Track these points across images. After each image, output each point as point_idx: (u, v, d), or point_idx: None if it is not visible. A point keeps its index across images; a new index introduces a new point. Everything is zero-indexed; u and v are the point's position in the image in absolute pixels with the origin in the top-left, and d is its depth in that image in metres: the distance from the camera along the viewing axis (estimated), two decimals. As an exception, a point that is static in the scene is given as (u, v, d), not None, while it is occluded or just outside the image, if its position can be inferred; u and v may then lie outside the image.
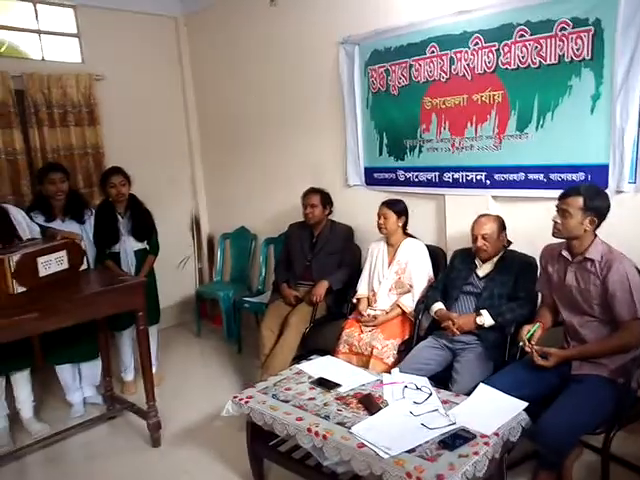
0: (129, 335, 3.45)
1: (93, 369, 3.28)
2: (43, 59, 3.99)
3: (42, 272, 2.56)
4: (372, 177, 3.54)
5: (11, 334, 2.29)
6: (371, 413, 2.10)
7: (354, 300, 3.17)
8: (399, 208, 3.03)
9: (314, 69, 3.72)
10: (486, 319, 2.53)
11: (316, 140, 3.83)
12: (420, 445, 1.86)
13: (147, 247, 3.45)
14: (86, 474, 2.69)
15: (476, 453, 1.80)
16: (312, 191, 3.46)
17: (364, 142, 3.52)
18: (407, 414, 2.06)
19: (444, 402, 2.14)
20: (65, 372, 3.18)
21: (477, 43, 2.82)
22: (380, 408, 2.13)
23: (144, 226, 3.41)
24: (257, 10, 3.96)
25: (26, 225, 2.89)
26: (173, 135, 4.68)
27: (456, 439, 1.87)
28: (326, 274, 3.34)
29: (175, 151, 4.71)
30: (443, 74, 3.00)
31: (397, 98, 3.26)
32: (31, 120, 3.81)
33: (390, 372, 2.47)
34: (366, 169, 3.56)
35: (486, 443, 1.85)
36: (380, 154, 3.44)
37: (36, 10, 3.91)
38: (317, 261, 3.45)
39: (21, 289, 2.44)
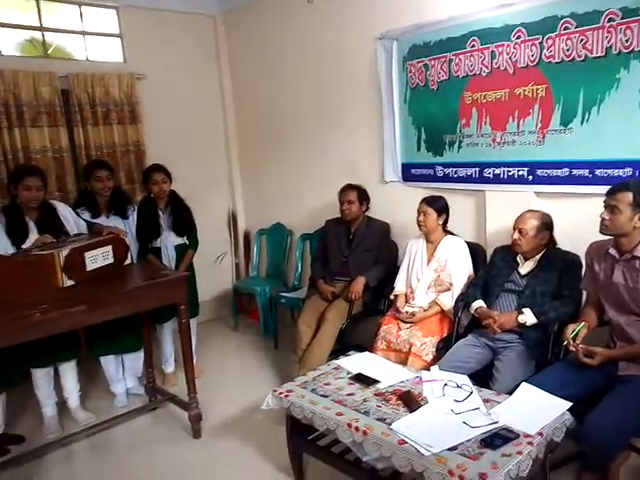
0: (170, 327, 3.53)
1: (136, 361, 3.37)
2: (87, 59, 4.10)
3: (89, 266, 2.64)
4: (409, 173, 3.51)
5: (62, 325, 2.38)
6: (411, 410, 2.09)
7: (391, 297, 3.16)
8: (439, 206, 2.99)
9: (351, 65, 3.71)
10: (528, 317, 2.48)
11: (353, 136, 3.82)
12: (462, 443, 1.85)
13: (187, 242, 3.51)
14: (129, 463, 2.77)
15: (520, 453, 1.78)
16: (349, 187, 3.45)
17: (401, 138, 3.49)
18: (448, 412, 2.05)
19: (485, 401, 2.12)
20: (109, 363, 3.27)
21: (520, 36, 2.77)
22: (420, 405, 2.12)
23: (184, 221, 3.47)
24: (294, 7, 3.97)
25: (73, 221, 2.99)
26: (211, 132, 4.75)
27: (498, 438, 1.85)
28: (362, 270, 3.34)
29: (213, 148, 4.78)
30: (484, 68, 2.95)
31: (436, 93, 3.22)
32: (76, 119, 3.93)
33: (428, 369, 2.46)
34: (403, 165, 3.53)
35: (530, 443, 1.83)
36: (418, 150, 3.41)
37: (81, 12, 4.03)
38: (353, 257, 3.45)
39: (70, 283, 2.52)
